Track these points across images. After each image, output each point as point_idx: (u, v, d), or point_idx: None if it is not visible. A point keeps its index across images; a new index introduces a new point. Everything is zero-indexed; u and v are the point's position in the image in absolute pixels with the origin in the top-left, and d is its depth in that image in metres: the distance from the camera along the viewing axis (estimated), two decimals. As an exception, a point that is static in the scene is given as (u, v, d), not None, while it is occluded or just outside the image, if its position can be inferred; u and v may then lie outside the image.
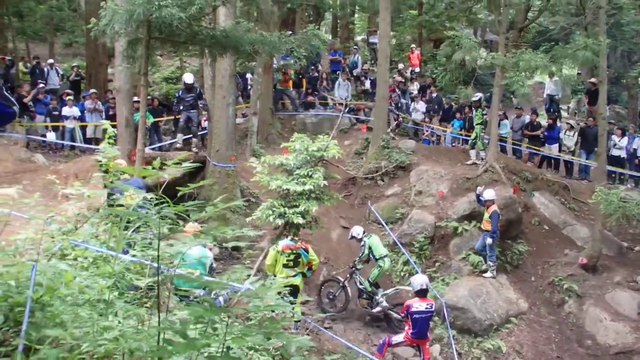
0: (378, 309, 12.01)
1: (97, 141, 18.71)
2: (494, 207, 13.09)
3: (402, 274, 14.01)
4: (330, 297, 12.25)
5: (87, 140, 18.57)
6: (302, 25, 23.79)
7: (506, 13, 15.69)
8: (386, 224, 15.09)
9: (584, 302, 13.47)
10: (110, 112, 18.49)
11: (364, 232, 12.12)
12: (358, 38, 38.09)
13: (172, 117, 19.30)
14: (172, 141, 18.63)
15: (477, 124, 15.98)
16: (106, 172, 9.34)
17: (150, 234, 8.50)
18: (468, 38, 13.36)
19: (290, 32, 22.94)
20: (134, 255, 7.04)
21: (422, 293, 9.85)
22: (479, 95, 15.54)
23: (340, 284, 12.05)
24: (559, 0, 13.16)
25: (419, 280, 10.00)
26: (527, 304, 13.50)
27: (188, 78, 15.92)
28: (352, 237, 12.19)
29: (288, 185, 8.24)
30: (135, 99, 15.60)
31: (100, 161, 7.60)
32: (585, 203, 17.27)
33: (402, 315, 9.99)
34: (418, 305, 9.77)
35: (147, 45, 10.79)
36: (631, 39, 20.92)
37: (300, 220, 8.28)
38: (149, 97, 18.84)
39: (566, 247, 15.18)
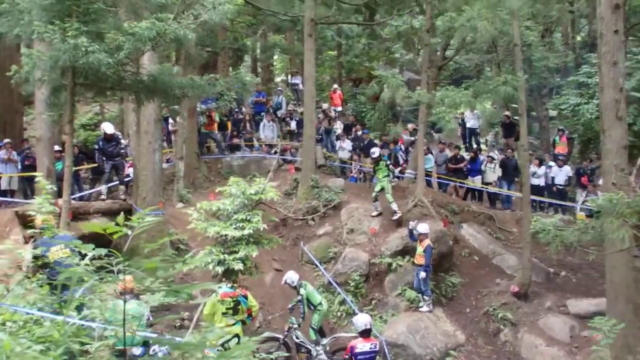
0: None
1: (12, 193, 17.80)
2: (427, 241, 13.29)
3: (339, 313, 13.88)
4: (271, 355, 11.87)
5: (1, 193, 17.62)
6: (224, 68, 23.73)
7: (427, 52, 16.22)
8: (320, 264, 14.98)
9: (518, 330, 13.76)
10: (26, 163, 17.66)
11: (298, 280, 11.84)
12: (278, 79, 38.47)
13: (92, 166, 18.65)
14: (92, 191, 17.95)
15: (383, 177, 15.62)
16: (31, 227, 8.85)
17: (82, 292, 8.07)
18: (394, 77, 13.67)
19: (212, 75, 22.90)
20: (82, 318, 6.61)
21: (365, 333, 9.75)
22: (376, 150, 15.76)
23: (281, 342, 11.73)
24: (476, 39, 13.65)
25: (363, 320, 9.90)
26: (464, 335, 13.63)
27: (108, 128, 15.36)
28: (286, 283, 11.88)
29: (227, 230, 8.01)
30: (57, 147, 15.00)
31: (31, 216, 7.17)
32: (511, 232, 17.85)
33: (346, 357, 9.83)
34: (362, 345, 9.65)
35: (72, 92, 10.43)
36: (541, 74, 22.04)
37: (241, 267, 8.04)
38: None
39: (497, 276, 15.53)
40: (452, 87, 14.03)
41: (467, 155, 20.41)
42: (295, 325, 11.70)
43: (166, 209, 15.47)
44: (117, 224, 3.08)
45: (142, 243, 13.18)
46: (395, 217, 15.29)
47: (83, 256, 7.78)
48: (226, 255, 8.09)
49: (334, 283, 14.16)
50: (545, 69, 21.83)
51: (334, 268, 14.74)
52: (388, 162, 16.06)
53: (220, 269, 8.08)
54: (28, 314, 6.29)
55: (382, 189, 15.60)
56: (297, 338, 11.86)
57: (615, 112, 10.72)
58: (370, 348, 9.70)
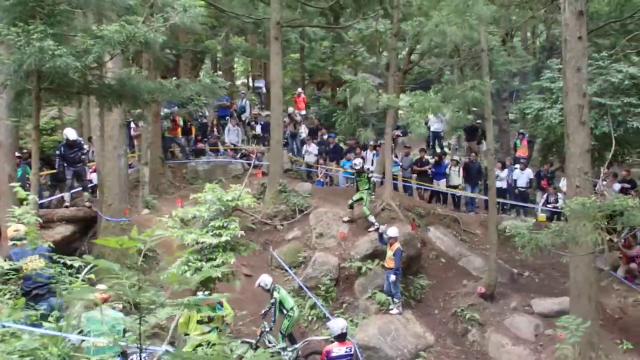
0: None
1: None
2: (397, 245, 13.40)
3: (310, 317, 13.87)
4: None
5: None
6: (185, 71, 23.51)
7: (393, 56, 16.35)
8: (290, 269, 14.94)
9: (485, 330, 13.98)
10: (-15, 169, 17.19)
11: (272, 284, 11.80)
12: (238, 82, 38.23)
13: (51, 172, 18.20)
14: (52, 198, 17.51)
15: (364, 189, 15.45)
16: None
17: (55, 302, 7.89)
18: (365, 82, 13.74)
19: (175, 78, 22.63)
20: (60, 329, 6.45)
21: (341, 337, 9.78)
22: (359, 162, 15.60)
23: (253, 346, 11.66)
24: (445, 43, 13.84)
25: (339, 324, 9.92)
26: (433, 336, 13.78)
27: (71, 134, 14.88)
28: (260, 286, 11.82)
29: (204, 238, 7.91)
30: (17, 154, 14.60)
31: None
32: (475, 234, 18.15)
33: (322, 361, 9.84)
34: (337, 350, 9.68)
35: (37, 97, 10.16)
36: (502, 78, 22.45)
37: (219, 274, 7.96)
38: (25, 151, 17.70)
39: (464, 277, 15.75)
40: (420, 92, 14.17)
41: (431, 159, 20.65)
42: (267, 329, 11.65)
43: (131, 215, 15.21)
44: (130, 238, 3.03)
45: (108, 251, 12.98)
46: (372, 229, 15.14)
47: (67, 266, 7.64)
48: (203, 263, 8.00)
49: (304, 287, 14.15)
50: (507, 72, 22.24)
51: (304, 272, 14.72)
52: (370, 175, 15.90)
53: (197, 277, 7.97)
54: (4, 327, 6.12)
55: (360, 199, 15.47)
56: (270, 342, 11.81)
57: (579, 117, 10.99)
58: (346, 352, 9.74)
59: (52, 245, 8.21)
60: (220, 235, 8.06)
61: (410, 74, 19.66)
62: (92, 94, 11.47)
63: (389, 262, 13.48)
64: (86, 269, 6.79)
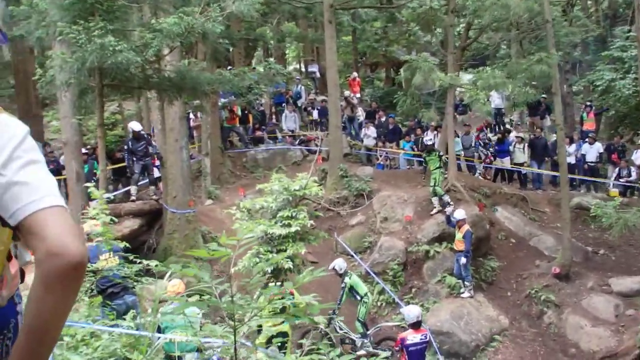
0: (362, 352, 11.56)
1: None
2: (466, 227, 13.02)
3: (379, 303, 13.70)
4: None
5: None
6: (239, 60, 23.45)
7: (450, 33, 15.85)
8: (355, 254, 14.76)
9: (562, 311, 13.51)
10: (50, 167, 17.45)
11: (346, 269, 11.71)
12: (290, 68, 38.03)
13: (114, 167, 18.46)
14: (117, 192, 17.73)
15: (435, 169, 14.80)
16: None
17: (130, 299, 7.92)
18: (426, 61, 13.32)
19: (230, 68, 22.64)
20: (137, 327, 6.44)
21: (416, 325, 9.54)
22: (431, 137, 14.93)
23: (322, 332, 11.56)
24: (507, 17, 13.28)
25: (414, 312, 9.67)
26: (507, 319, 13.42)
27: (135, 126, 14.77)
28: (334, 269, 11.70)
29: (273, 229, 7.77)
30: (84, 150, 14.80)
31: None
32: (544, 212, 17.51)
33: (397, 349, 9.62)
34: (412, 337, 9.44)
35: (100, 93, 10.22)
36: (564, 49, 21.55)
37: (290, 265, 7.82)
38: (89, 147, 18.01)
39: (535, 258, 15.23)
40: (483, 69, 13.64)
41: (493, 137, 20.04)
42: (333, 314, 11.57)
43: (196, 206, 15.27)
44: (219, 244, 2.84)
45: (175, 243, 13.07)
46: (448, 209, 14.29)
47: (129, 261, 7.63)
48: (274, 255, 7.86)
49: (371, 273, 13.95)
50: (568, 44, 21.30)
51: (370, 258, 14.52)
52: (441, 153, 15.14)
53: (269, 269, 7.87)
54: (84, 327, 6.12)
55: (434, 180, 14.76)
56: (341, 329, 11.69)
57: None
58: (421, 339, 9.50)
59: (127, 244, 8.24)
60: (289, 225, 7.90)
61: (468, 50, 19.04)
62: (152, 88, 11.52)
63: (459, 245, 13.12)
64: (169, 273, 6.77)
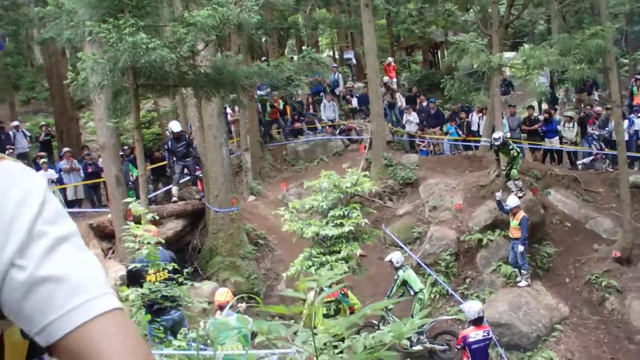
0: (418, 347, 11.14)
1: (80, 203, 17.51)
2: (521, 213, 12.44)
3: (433, 295, 13.22)
4: None
5: (68, 204, 17.27)
6: (273, 50, 23.01)
7: (494, 10, 15.13)
8: (405, 245, 14.28)
9: (625, 297, 12.90)
10: (89, 170, 17.35)
11: (403, 262, 11.37)
12: (323, 55, 37.45)
13: (152, 167, 18.30)
14: (157, 193, 17.60)
15: (512, 166, 13.83)
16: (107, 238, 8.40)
17: (177, 315, 7.61)
18: (473, 42, 12.66)
19: (264, 59, 22.23)
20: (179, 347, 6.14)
21: (478, 321, 9.06)
22: (499, 136, 13.87)
23: (375, 327, 11.18)
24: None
25: (475, 308, 9.19)
26: (567, 307, 12.87)
27: (175, 127, 14.56)
28: (390, 261, 11.35)
29: (325, 230, 7.31)
30: (120, 152, 14.60)
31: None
32: (598, 193, 16.71)
33: (458, 347, 9.15)
34: (475, 334, 8.98)
35: (135, 94, 9.88)
36: (612, 21, 20.59)
37: (345, 268, 7.38)
38: (126, 147, 17.82)
39: (593, 242, 14.55)
40: (533, 46, 12.93)
41: (540, 116, 19.23)
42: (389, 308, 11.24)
43: (238, 204, 14.95)
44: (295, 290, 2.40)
45: (220, 242, 12.74)
46: (520, 194, 13.61)
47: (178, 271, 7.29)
48: (327, 257, 7.42)
49: (423, 264, 13.48)
50: (614, 16, 20.32)
51: (421, 249, 14.04)
52: (511, 146, 13.96)
53: (322, 272, 7.44)
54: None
55: (511, 168, 13.82)
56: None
57: None
58: (484, 336, 9.05)
59: (174, 257, 7.95)
60: (342, 225, 7.42)
61: (511, 27, 18.25)
62: (188, 85, 11.16)
63: (514, 232, 12.53)
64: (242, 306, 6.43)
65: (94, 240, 13.04)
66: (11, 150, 17.10)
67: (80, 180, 17.52)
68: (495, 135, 13.93)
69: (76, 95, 12.51)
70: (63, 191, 17.21)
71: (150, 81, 10.32)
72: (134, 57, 8.98)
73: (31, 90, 30.98)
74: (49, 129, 21.04)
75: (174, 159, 14.55)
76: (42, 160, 17.11)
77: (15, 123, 19.61)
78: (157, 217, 7.64)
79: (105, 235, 13.08)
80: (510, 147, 13.85)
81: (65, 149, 18.30)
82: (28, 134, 19.93)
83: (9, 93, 25.79)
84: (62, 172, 17.29)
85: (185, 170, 15.00)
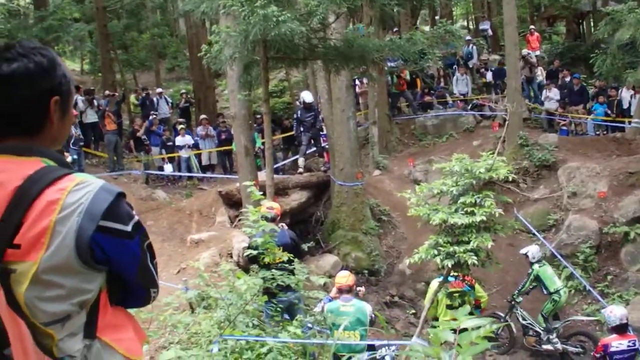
0: (548, 347, 10.32)
1: (213, 168, 18.22)
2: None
3: (568, 289, 12.20)
4: (493, 335, 10.74)
5: (203, 169, 18.08)
6: (405, 22, 22.24)
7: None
8: (538, 233, 13.32)
9: None
10: (223, 137, 18.00)
11: (540, 258, 10.65)
12: (457, 26, 35.96)
13: (283, 135, 18.49)
14: (286, 161, 17.76)
15: None
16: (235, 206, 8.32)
17: (293, 296, 7.44)
18: (633, 11, 11.32)
19: (396, 30, 21.55)
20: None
21: (621, 328, 8.15)
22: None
23: (501, 320, 10.52)
24: None
25: (617, 313, 8.27)
26: None
27: (307, 97, 14.80)
28: (525, 254, 10.77)
29: (454, 218, 6.79)
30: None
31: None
32: None
33: (597, 356, 8.29)
34: (618, 343, 8.07)
35: (265, 67, 9.77)
36: None
37: (474, 260, 6.83)
38: (257, 116, 18.09)
39: None
40: None
41: None
42: (513, 301, 10.67)
43: (363, 178, 14.62)
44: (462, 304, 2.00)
45: (343, 216, 12.51)
46: None
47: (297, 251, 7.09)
48: (455, 247, 6.91)
49: (558, 255, 12.48)
50: None
51: (557, 238, 13.02)
52: None
53: (449, 263, 6.94)
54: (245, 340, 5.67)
55: None
56: (524, 319, 10.62)
57: None
58: (629, 346, 8.10)
59: (294, 238, 7.77)
60: (472, 213, 6.85)
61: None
62: (318, 58, 10.97)
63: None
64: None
65: (222, 207, 13.26)
66: (154, 115, 18.03)
67: (214, 147, 18.21)
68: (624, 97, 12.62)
69: (211, 66, 12.76)
70: (198, 156, 18.07)
71: (280, 54, 10.24)
72: (265, 30, 8.92)
73: (175, 59, 33.03)
74: (188, 96, 22.22)
75: (302, 129, 14.61)
76: (180, 127, 18.13)
77: (159, 90, 20.72)
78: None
79: (233, 204, 13.26)
80: None
81: (202, 116, 19.30)
82: (170, 100, 21.07)
83: (155, 61, 27.55)
84: (198, 138, 18.11)
85: (312, 142, 14.99)
